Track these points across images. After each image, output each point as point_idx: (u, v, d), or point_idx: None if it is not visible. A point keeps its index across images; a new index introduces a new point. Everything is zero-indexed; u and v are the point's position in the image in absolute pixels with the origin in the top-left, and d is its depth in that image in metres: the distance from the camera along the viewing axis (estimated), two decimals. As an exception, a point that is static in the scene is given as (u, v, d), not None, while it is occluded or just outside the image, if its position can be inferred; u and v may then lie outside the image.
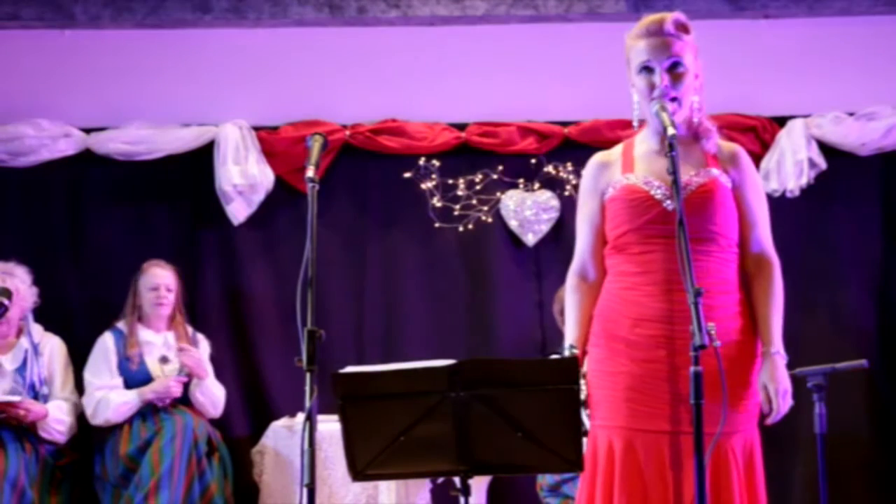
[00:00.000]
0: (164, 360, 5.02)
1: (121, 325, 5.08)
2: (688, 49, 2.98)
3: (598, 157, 3.12)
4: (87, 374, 4.98)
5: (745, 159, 3.08)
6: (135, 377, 4.94)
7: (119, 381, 4.94)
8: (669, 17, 2.97)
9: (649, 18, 2.99)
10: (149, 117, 5.46)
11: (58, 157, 5.44)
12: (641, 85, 2.97)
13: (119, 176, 5.48)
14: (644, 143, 3.06)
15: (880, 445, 5.33)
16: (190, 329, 5.18)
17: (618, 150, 3.12)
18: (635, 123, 3.06)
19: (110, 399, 4.86)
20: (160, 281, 5.06)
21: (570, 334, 3.06)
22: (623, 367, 2.92)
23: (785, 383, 2.93)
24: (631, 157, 3.05)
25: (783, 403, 2.92)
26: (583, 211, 3.12)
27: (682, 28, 2.99)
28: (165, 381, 4.93)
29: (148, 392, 4.89)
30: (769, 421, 2.96)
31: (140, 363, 4.97)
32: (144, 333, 5.06)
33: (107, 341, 5.02)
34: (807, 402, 4.03)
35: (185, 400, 5.01)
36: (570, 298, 3.10)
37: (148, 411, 4.88)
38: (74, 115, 5.47)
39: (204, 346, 5.19)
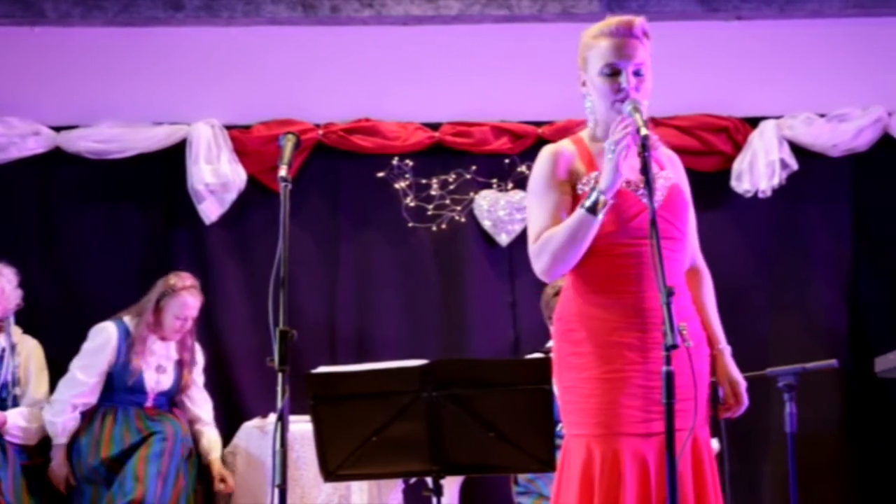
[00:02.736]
0: (159, 368, 4.90)
1: (128, 321, 4.90)
2: (648, 55, 2.95)
3: (554, 148, 3.04)
4: (74, 370, 4.81)
5: (681, 165, 3.07)
6: (124, 384, 4.81)
7: (95, 380, 4.79)
8: (638, 21, 2.94)
9: (616, 19, 2.94)
10: (120, 116, 5.41)
11: (27, 156, 5.39)
12: (604, 86, 2.93)
13: (90, 175, 5.44)
14: (596, 143, 3.00)
15: (850, 445, 5.36)
16: (189, 340, 5.02)
17: (569, 145, 3.04)
18: (590, 122, 3.04)
19: (57, 423, 4.73)
20: (189, 313, 4.90)
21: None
22: (602, 372, 2.84)
23: (741, 378, 2.97)
24: (588, 154, 3.00)
25: (745, 398, 2.95)
26: (547, 199, 2.97)
27: (646, 35, 2.96)
28: None
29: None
30: (730, 415, 2.97)
31: (138, 376, 4.82)
32: (150, 340, 4.88)
33: (111, 336, 4.86)
34: (777, 402, 4.05)
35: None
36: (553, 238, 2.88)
37: (131, 416, 4.79)
38: (44, 113, 5.42)
39: (200, 359, 5.10)
